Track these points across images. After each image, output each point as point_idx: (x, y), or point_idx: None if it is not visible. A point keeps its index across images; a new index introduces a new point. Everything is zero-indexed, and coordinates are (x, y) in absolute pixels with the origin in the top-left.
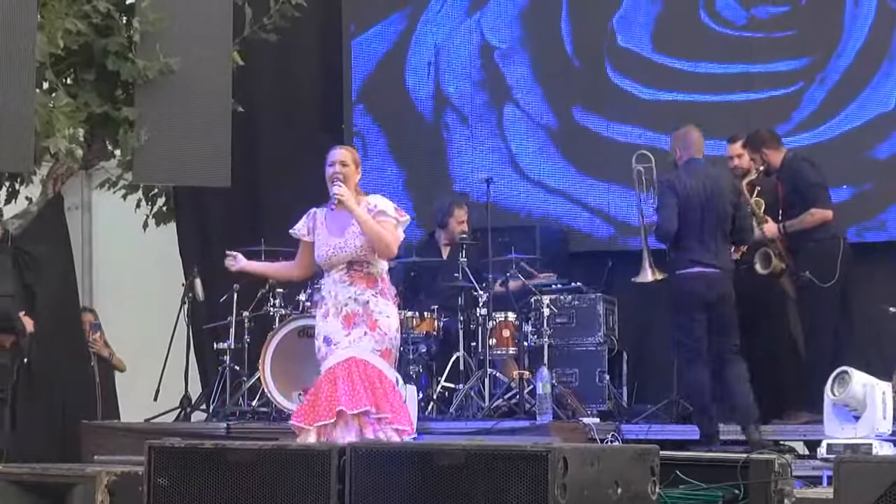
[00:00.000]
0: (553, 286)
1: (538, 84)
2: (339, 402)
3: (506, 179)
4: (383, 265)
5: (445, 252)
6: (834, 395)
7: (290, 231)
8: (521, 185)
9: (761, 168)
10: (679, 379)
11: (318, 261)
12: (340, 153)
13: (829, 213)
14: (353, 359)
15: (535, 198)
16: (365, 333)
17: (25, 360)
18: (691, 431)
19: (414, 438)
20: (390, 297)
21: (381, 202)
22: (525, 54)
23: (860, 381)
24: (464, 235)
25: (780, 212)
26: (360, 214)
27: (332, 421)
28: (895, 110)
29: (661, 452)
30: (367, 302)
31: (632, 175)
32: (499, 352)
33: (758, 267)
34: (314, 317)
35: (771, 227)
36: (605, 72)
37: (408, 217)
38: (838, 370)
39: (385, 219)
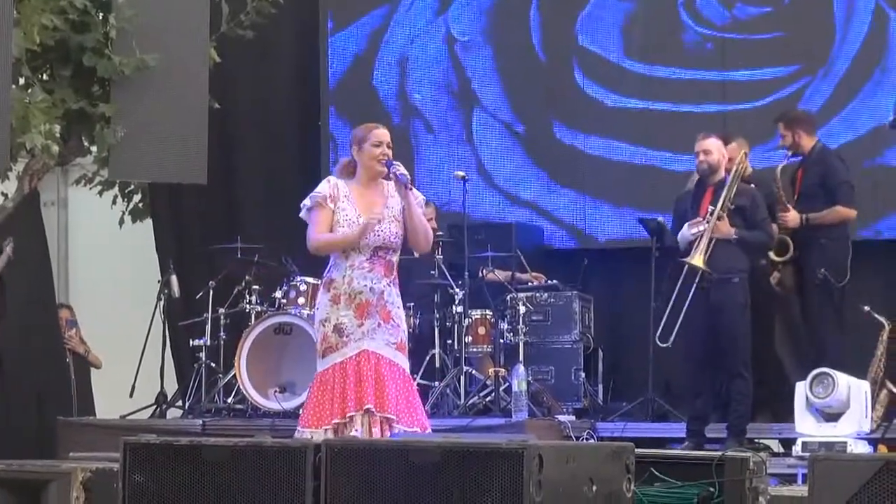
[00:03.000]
0: (530, 283)
1: (504, 89)
2: (348, 400)
3: (473, 186)
4: (398, 254)
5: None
6: (815, 396)
7: (312, 195)
8: (488, 192)
9: (788, 148)
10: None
11: None
12: (386, 133)
13: (853, 213)
14: (364, 352)
15: (503, 205)
16: (379, 325)
17: None
18: (666, 429)
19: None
20: (399, 287)
21: (418, 193)
22: (490, 51)
23: (845, 382)
24: (440, 233)
25: (796, 198)
26: (413, 204)
27: (344, 420)
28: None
29: (636, 450)
30: (383, 292)
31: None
32: (474, 349)
33: (771, 254)
34: (290, 314)
35: (794, 217)
36: (573, 78)
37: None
38: (817, 371)
39: (422, 212)
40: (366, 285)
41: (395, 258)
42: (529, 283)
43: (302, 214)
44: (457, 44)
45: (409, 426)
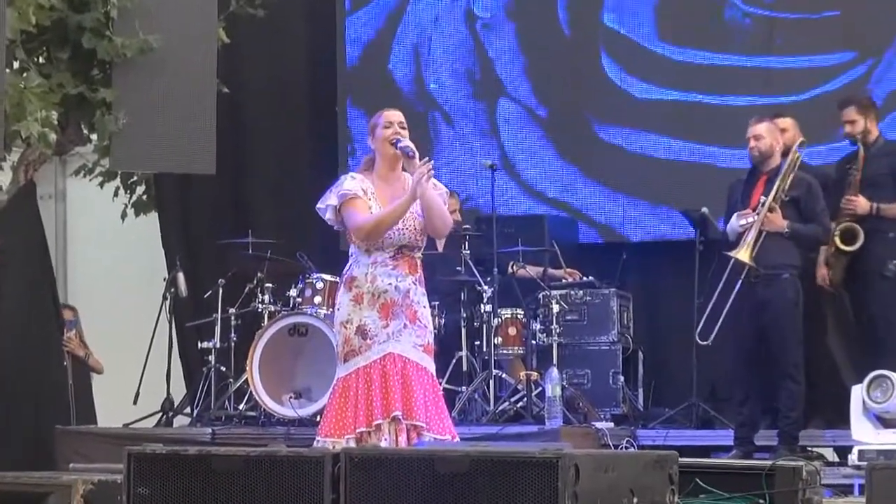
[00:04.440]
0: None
1: (528, 73)
2: (375, 408)
3: (498, 181)
4: (421, 251)
5: (441, 244)
6: (873, 400)
7: (340, 193)
8: (514, 187)
9: (854, 136)
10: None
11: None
12: (398, 114)
13: None
14: (390, 356)
15: (529, 201)
16: (405, 326)
17: None
18: (712, 436)
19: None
20: (425, 286)
21: (437, 182)
22: (513, 28)
23: None
24: (466, 226)
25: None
26: (429, 188)
27: (370, 429)
28: None
29: (679, 459)
30: (408, 290)
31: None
32: (504, 351)
33: (837, 240)
34: (306, 313)
35: (864, 204)
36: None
37: (447, 206)
38: (875, 374)
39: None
40: (390, 283)
41: (419, 255)
42: (563, 280)
43: (328, 216)
44: (478, 22)
45: (440, 434)
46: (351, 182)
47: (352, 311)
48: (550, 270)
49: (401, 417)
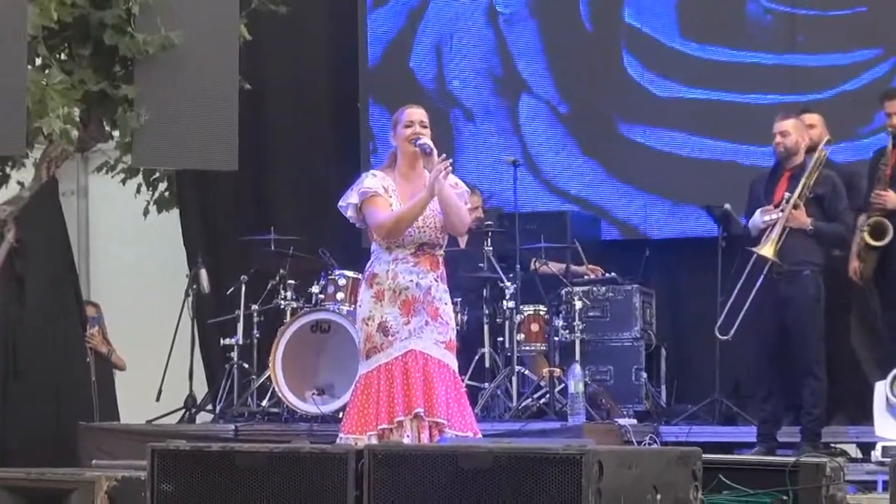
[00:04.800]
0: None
1: (550, 69)
2: (396, 404)
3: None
4: (443, 248)
5: (463, 241)
6: None
7: (361, 190)
8: (536, 185)
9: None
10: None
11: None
12: (419, 112)
13: None
14: (412, 352)
15: (551, 198)
16: (426, 323)
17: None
18: (735, 433)
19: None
20: (447, 282)
21: (458, 180)
22: (535, 25)
23: None
24: (489, 223)
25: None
26: (446, 186)
27: (392, 426)
28: None
29: (703, 455)
30: (430, 287)
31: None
32: (527, 348)
33: (866, 235)
34: (328, 310)
35: (893, 199)
36: (621, 61)
37: (469, 203)
38: None
39: (460, 199)
40: (411, 280)
41: (441, 252)
42: (585, 277)
43: (349, 214)
44: (499, 18)
45: (462, 431)
46: (371, 180)
47: (373, 308)
48: (573, 267)
49: (422, 414)
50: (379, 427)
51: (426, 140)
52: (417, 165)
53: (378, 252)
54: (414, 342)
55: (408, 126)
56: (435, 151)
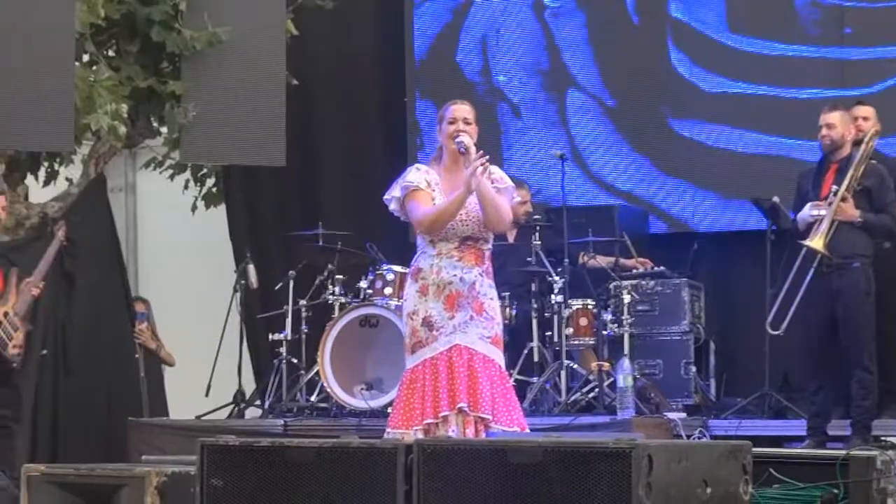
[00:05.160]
0: (634, 270)
1: (597, 64)
2: (441, 399)
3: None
4: (491, 242)
5: (511, 236)
6: None
7: (403, 185)
8: (583, 179)
9: None
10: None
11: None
12: (464, 108)
13: None
14: (456, 347)
15: (599, 193)
16: (471, 318)
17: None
18: (785, 426)
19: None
20: (493, 277)
21: (504, 176)
22: (583, 19)
23: None
24: (536, 217)
25: None
26: (484, 183)
27: (437, 420)
28: None
29: (753, 449)
30: (474, 282)
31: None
32: (576, 342)
33: None
34: (376, 305)
35: None
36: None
37: (519, 198)
38: None
39: (503, 195)
40: (455, 275)
41: (486, 247)
42: (634, 270)
43: (392, 207)
44: (546, 10)
45: (507, 426)
46: (415, 174)
47: (418, 303)
48: (622, 260)
49: (467, 409)
50: (424, 422)
51: (463, 138)
52: (460, 161)
53: (423, 246)
54: (459, 337)
55: (451, 123)
56: (472, 150)
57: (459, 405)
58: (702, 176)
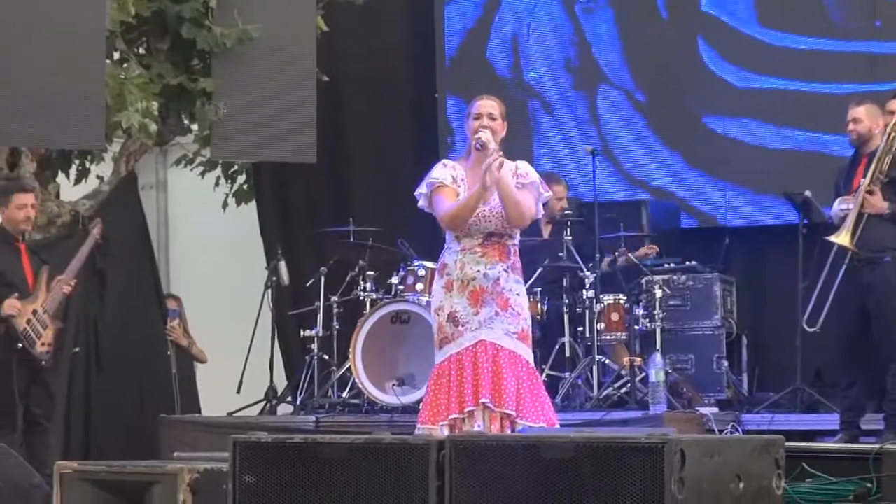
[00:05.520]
0: (666, 265)
1: (627, 60)
2: (466, 395)
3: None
4: (518, 237)
5: (547, 231)
6: None
7: (428, 181)
8: (615, 175)
9: None
10: None
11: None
12: (489, 104)
13: None
14: (482, 343)
15: (630, 190)
16: (496, 314)
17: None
18: (818, 421)
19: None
20: (520, 272)
21: (531, 171)
22: (611, 14)
23: None
24: (568, 212)
25: None
26: (503, 177)
27: (462, 416)
28: None
29: (786, 444)
30: (498, 278)
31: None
32: (608, 337)
33: None
34: (408, 301)
35: None
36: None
37: (549, 193)
38: None
39: (529, 190)
40: (479, 271)
41: (512, 243)
42: (646, 257)
43: (420, 203)
44: (577, 5)
45: (534, 422)
46: (440, 170)
47: (443, 299)
48: (632, 255)
49: (490, 404)
50: (450, 417)
51: (481, 134)
52: (486, 156)
53: (449, 241)
54: (485, 333)
55: (476, 118)
56: (489, 146)
57: (482, 400)
58: (733, 172)
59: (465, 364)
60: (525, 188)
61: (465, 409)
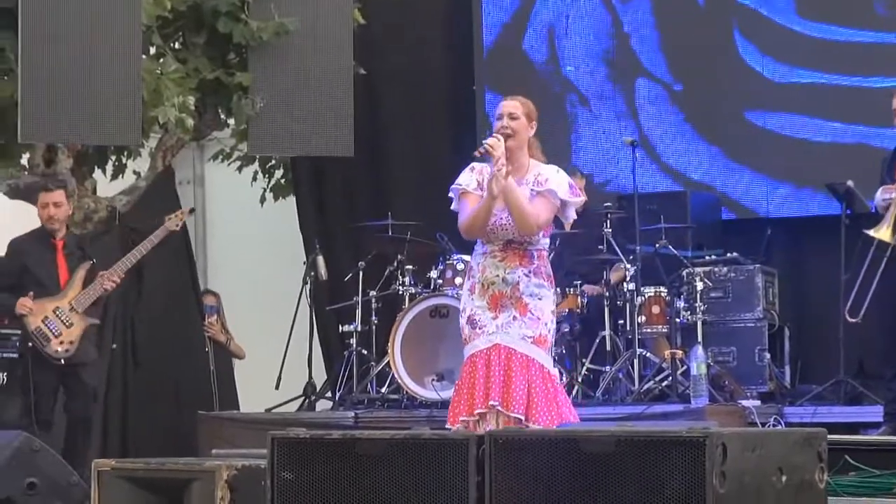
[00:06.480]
0: (707, 256)
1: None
2: (477, 397)
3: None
4: (544, 240)
5: (567, 224)
6: None
7: (454, 186)
8: (654, 169)
9: None
10: None
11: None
12: (509, 104)
13: None
14: (497, 346)
15: (669, 184)
16: (514, 318)
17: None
18: (861, 413)
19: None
20: (545, 276)
21: (552, 177)
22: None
23: None
24: (607, 204)
25: None
26: (509, 186)
27: (474, 418)
28: None
29: (829, 436)
30: (518, 282)
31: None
32: (648, 330)
33: None
34: (447, 295)
35: None
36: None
37: (580, 198)
38: None
39: (545, 197)
40: (498, 275)
41: (534, 248)
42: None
43: (453, 206)
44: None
45: (546, 426)
46: (466, 175)
47: (466, 300)
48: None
49: (499, 408)
50: (460, 419)
51: (488, 140)
52: (512, 157)
53: (478, 242)
54: (500, 337)
55: (498, 118)
56: (495, 153)
57: (491, 402)
58: (774, 165)
59: (479, 367)
60: (540, 196)
61: (475, 412)
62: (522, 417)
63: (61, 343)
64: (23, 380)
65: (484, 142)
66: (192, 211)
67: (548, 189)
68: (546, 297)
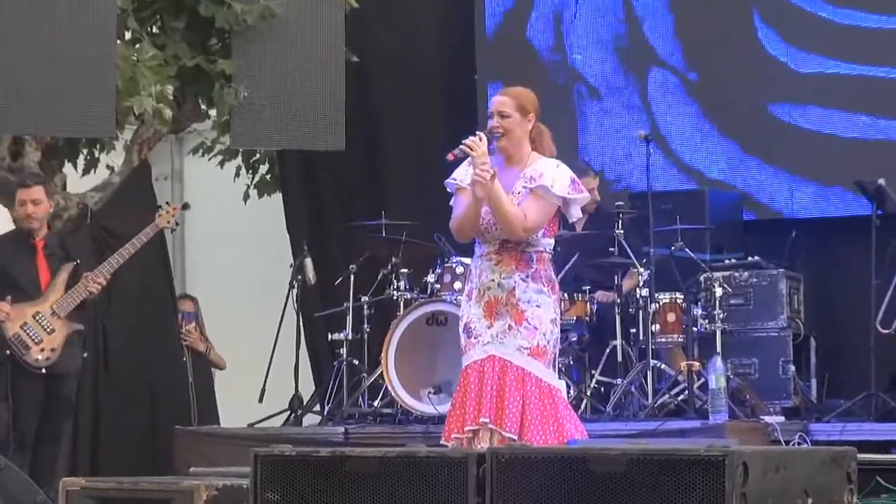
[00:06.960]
0: (726, 260)
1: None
2: (468, 414)
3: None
4: (546, 241)
5: (579, 225)
6: None
7: (448, 181)
8: (669, 165)
9: None
10: None
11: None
12: (499, 100)
13: None
14: (492, 358)
15: (685, 182)
16: (510, 327)
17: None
18: (893, 430)
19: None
20: (544, 280)
21: (548, 172)
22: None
23: None
24: (619, 203)
25: None
26: (494, 189)
27: (465, 435)
28: None
29: (858, 455)
30: (514, 288)
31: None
32: (663, 339)
33: None
34: (445, 301)
35: None
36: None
37: (584, 195)
38: None
39: (536, 195)
40: (493, 280)
41: (532, 250)
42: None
43: (451, 202)
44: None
45: (540, 444)
46: (462, 169)
47: (464, 307)
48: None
49: (491, 425)
50: (452, 436)
51: (465, 141)
52: (507, 154)
53: (476, 243)
54: (495, 348)
55: (490, 117)
56: (474, 151)
57: (482, 420)
58: (799, 162)
59: (472, 380)
60: (532, 193)
61: (465, 429)
62: (515, 437)
63: (42, 350)
64: (3, 390)
65: (462, 142)
66: (185, 206)
67: (539, 185)
68: (545, 305)
